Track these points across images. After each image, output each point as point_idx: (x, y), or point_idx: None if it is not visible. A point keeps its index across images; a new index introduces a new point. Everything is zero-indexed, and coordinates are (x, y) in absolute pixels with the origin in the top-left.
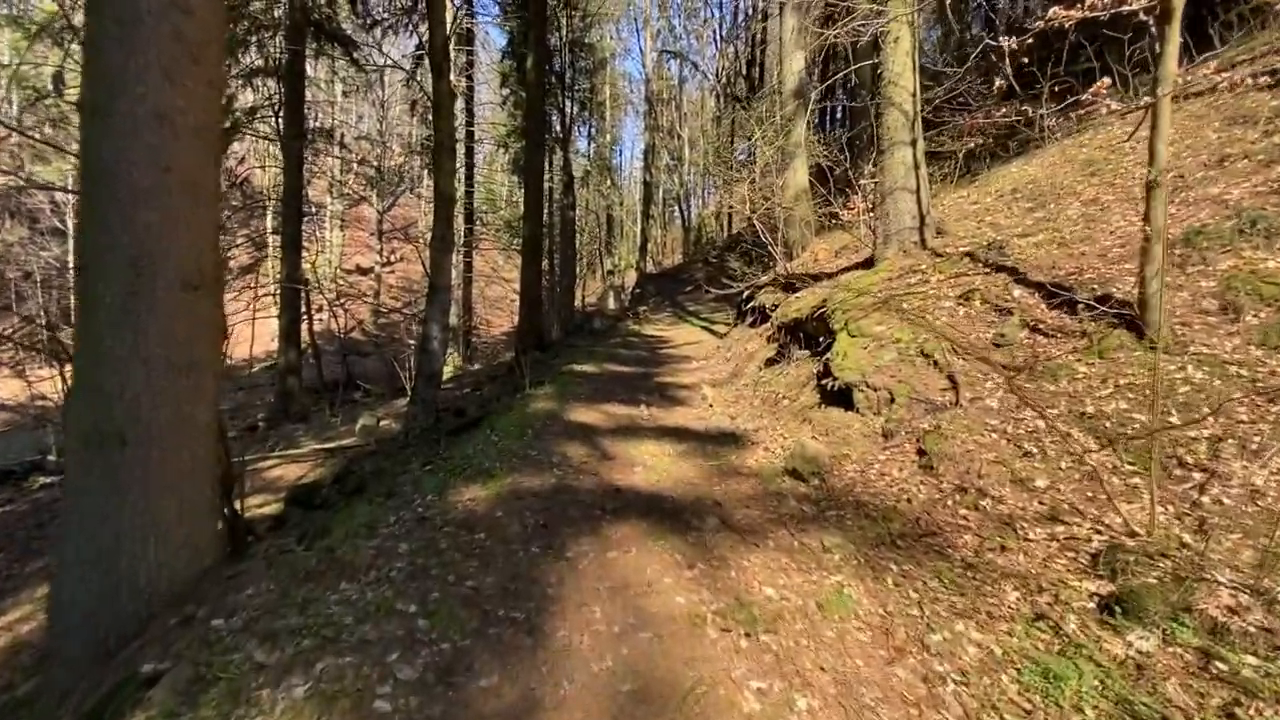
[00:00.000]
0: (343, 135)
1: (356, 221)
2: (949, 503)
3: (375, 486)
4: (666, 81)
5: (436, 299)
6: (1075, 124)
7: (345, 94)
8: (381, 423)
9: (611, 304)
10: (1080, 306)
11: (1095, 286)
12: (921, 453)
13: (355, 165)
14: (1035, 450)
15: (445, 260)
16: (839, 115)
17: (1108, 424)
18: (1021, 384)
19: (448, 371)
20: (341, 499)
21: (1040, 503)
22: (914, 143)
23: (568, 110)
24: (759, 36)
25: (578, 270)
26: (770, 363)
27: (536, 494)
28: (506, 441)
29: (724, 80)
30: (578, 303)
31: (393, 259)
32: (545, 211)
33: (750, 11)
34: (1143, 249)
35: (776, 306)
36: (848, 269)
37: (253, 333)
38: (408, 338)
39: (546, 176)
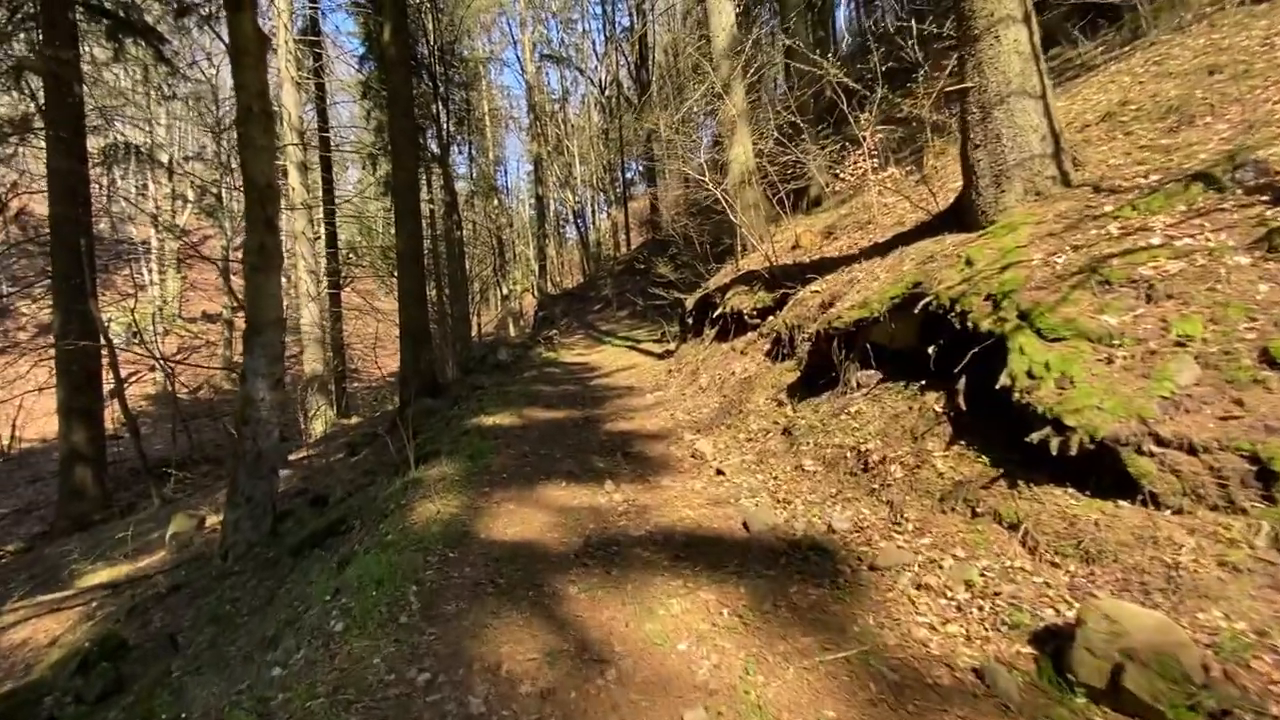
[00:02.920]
0: (171, 158)
1: (203, 262)
2: None
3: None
4: (549, 95)
5: (259, 341)
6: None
7: (160, 102)
8: (209, 521)
9: (512, 330)
10: None
11: None
12: None
13: (190, 195)
14: None
15: (269, 282)
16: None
17: None
18: None
19: (317, 429)
20: None
21: None
22: (1028, 18)
23: (444, 124)
24: (644, 35)
25: (470, 297)
26: (799, 392)
27: None
28: (359, 636)
29: (608, 92)
30: (474, 333)
31: None
32: (427, 231)
33: (632, 14)
34: None
35: (767, 311)
36: (896, 241)
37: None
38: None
39: (426, 198)
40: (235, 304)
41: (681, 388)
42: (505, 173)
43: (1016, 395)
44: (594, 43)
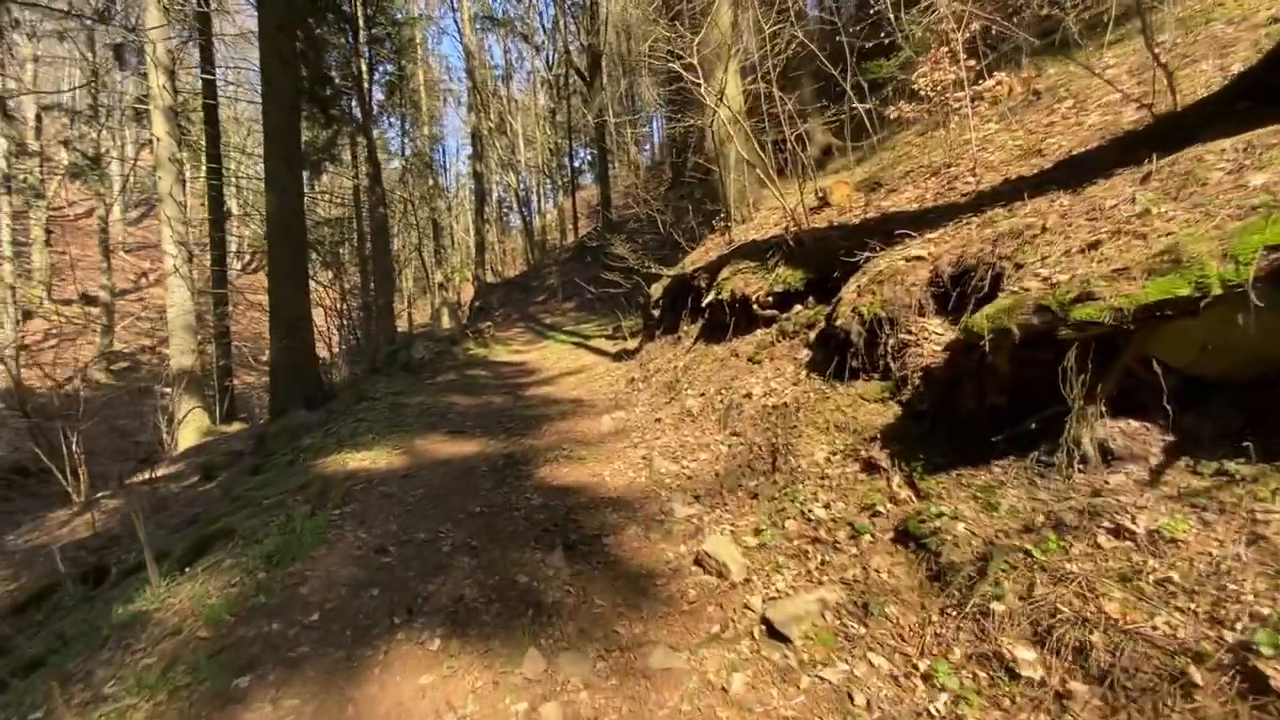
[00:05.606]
0: (39, 105)
1: (82, 232)
2: None
3: None
4: (491, 69)
5: None
6: None
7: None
8: None
9: (447, 322)
10: None
11: None
12: None
13: (47, 148)
14: None
15: None
16: None
17: None
18: None
19: (188, 439)
20: None
21: None
22: None
23: (368, 87)
24: (595, 6)
25: (403, 286)
26: (923, 450)
27: None
28: None
29: (556, 70)
30: (407, 325)
31: (142, 281)
32: (349, 208)
33: None
34: None
35: (792, 297)
36: (1113, 155)
37: None
38: (161, 385)
39: (351, 172)
40: (133, 284)
41: (653, 406)
42: (443, 152)
43: None
44: (541, 15)
